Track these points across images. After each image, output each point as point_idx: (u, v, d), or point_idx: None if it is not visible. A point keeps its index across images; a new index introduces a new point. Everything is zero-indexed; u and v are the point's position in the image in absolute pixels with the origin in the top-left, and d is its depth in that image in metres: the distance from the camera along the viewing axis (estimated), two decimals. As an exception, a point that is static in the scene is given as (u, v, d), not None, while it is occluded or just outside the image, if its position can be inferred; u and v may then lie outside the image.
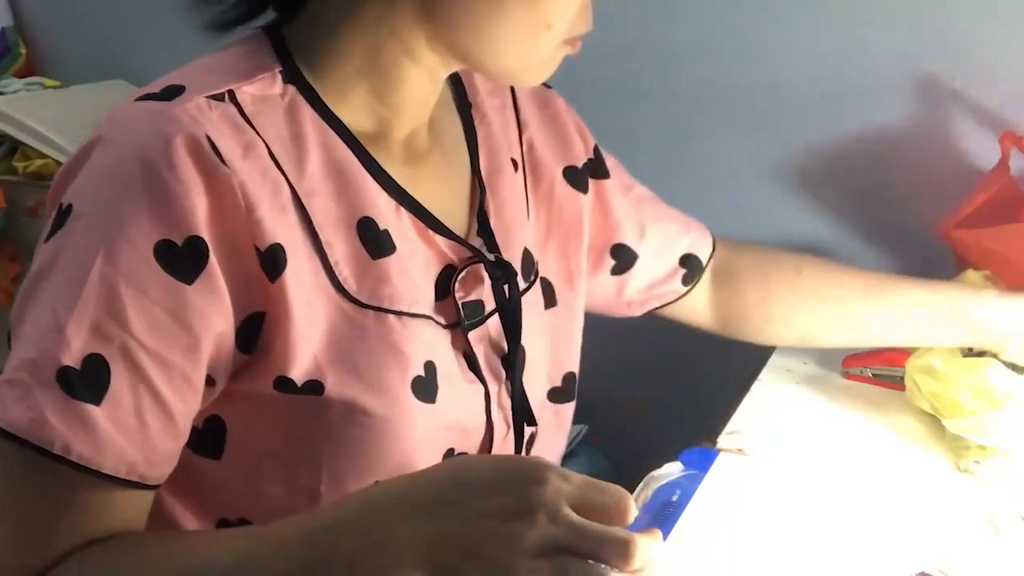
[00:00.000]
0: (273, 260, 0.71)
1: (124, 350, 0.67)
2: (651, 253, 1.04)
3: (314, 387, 0.74)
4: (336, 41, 0.77)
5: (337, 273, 0.75)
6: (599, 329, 1.57)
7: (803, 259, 1.12)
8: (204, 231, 0.68)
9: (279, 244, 0.71)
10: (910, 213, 1.42)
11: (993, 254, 1.20)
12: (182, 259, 0.68)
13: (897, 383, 1.14)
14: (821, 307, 1.10)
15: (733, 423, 1.09)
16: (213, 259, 0.69)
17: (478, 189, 0.89)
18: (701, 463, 0.96)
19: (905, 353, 1.11)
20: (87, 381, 0.66)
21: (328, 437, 0.75)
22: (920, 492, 0.97)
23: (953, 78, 1.35)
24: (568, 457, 1.14)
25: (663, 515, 0.86)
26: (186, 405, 0.71)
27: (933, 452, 1.04)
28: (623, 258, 1.03)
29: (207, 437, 0.76)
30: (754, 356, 1.27)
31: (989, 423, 0.99)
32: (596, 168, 1.00)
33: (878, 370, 1.19)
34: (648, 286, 1.06)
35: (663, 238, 1.05)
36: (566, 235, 0.96)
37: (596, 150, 1.00)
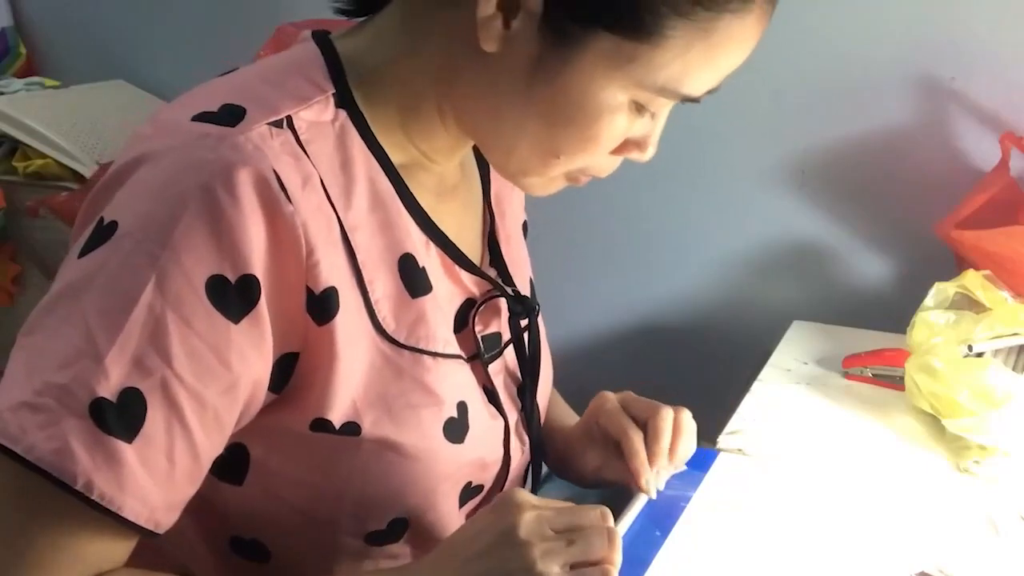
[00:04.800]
0: (326, 304, 0.68)
1: (163, 385, 0.63)
2: None
3: (352, 429, 0.72)
4: (394, 69, 0.74)
5: (377, 312, 0.72)
6: (598, 330, 1.58)
7: None
8: (259, 270, 0.65)
9: (333, 288, 0.68)
10: (910, 213, 1.43)
11: (993, 255, 1.20)
12: (233, 297, 0.64)
13: (897, 383, 1.14)
14: None
15: (733, 423, 1.09)
16: (263, 300, 0.65)
17: (488, 215, 0.88)
18: (701, 463, 0.95)
19: (905, 353, 1.11)
20: (122, 416, 0.62)
21: (354, 472, 0.73)
22: (920, 492, 0.97)
23: (953, 78, 1.35)
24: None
25: (663, 515, 0.86)
26: (213, 447, 0.67)
27: (933, 452, 1.04)
28: None
29: (230, 463, 0.72)
30: (754, 356, 1.27)
31: (989, 423, 0.99)
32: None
33: (878, 370, 1.19)
34: None
35: None
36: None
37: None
